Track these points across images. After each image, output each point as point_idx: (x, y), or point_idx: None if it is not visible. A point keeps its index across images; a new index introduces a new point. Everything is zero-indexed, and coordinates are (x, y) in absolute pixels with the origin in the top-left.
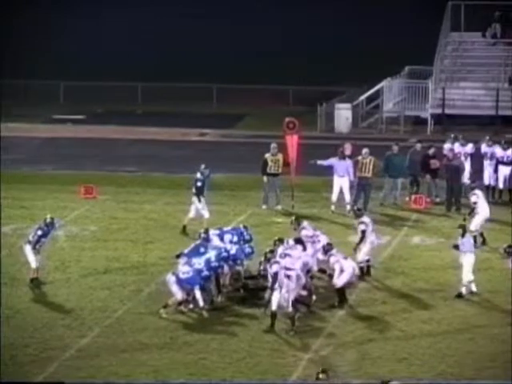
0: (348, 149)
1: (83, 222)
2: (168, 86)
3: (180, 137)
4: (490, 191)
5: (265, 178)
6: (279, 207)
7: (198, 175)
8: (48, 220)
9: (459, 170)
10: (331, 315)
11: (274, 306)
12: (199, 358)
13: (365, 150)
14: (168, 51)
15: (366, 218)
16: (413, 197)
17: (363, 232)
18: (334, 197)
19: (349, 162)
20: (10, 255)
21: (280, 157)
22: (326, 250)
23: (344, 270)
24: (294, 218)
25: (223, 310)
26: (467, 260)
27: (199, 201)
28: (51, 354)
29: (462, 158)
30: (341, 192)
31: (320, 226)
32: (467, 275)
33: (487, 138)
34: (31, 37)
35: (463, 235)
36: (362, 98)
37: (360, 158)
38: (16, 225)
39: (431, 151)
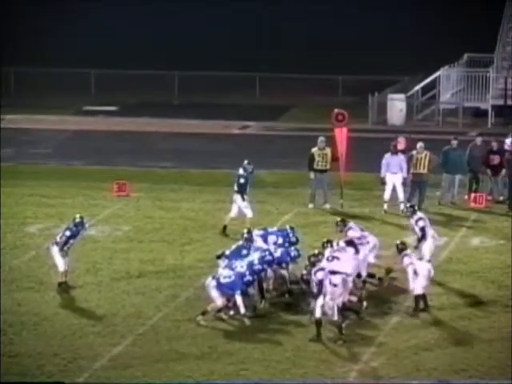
0: (401, 143)
1: (116, 222)
2: (207, 75)
3: (220, 130)
4: None
5: (312, 175)
6: (327, 206)
7: (241, 171)
8: (77, 220)
9: None
10: (383, 323)
11: (317, 314)
12: (240, 368)
13: (420, 145)
14: (207, 38)
15: (421, 214)
16: (472, 195)
17: (423, 229)
18: (387, 195)
19: (402, 157)
20: (37, 257)
21: (328, 151)
22: (400, 249)
23: (418, 273)
24: (339, 219)
25: (266, 316)
26: None
27: (242, 199)
28: (81, 364)
29: None
30: (394, 190)
31: (372, 226)
32: None
33: None
34: (58, 23)
35: None
36: (417, 87)
37: (415, 152)
38: (43, 224)
39: (493, 146)
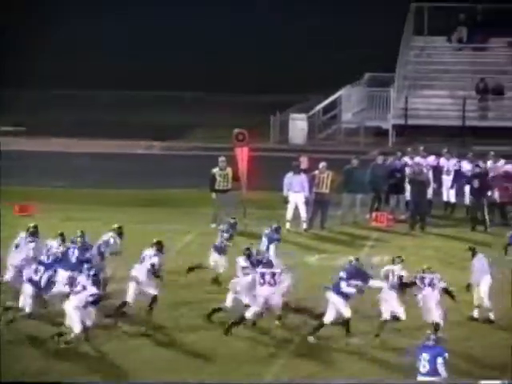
0: (303, 162)
1: None
2: (110, 94)
3: (125, 149)
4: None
5: (213, 195)
6: None
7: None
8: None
9: (425, 184)
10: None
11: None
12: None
13: (322, 164)
14: (114, 55)
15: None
16: (374, 214)
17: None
18: (289, 214)
19: (304, 177)
20: None
21: (229, 171)
22: None
23: None
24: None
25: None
26: (484, 283)
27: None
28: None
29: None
30: (296, 209)
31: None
32: (486, 300)
33: (445, 150)
34: None
35: (473, 255)
36: (319, 107)
37: (317, 172)
38: None
39: (395, 164)
